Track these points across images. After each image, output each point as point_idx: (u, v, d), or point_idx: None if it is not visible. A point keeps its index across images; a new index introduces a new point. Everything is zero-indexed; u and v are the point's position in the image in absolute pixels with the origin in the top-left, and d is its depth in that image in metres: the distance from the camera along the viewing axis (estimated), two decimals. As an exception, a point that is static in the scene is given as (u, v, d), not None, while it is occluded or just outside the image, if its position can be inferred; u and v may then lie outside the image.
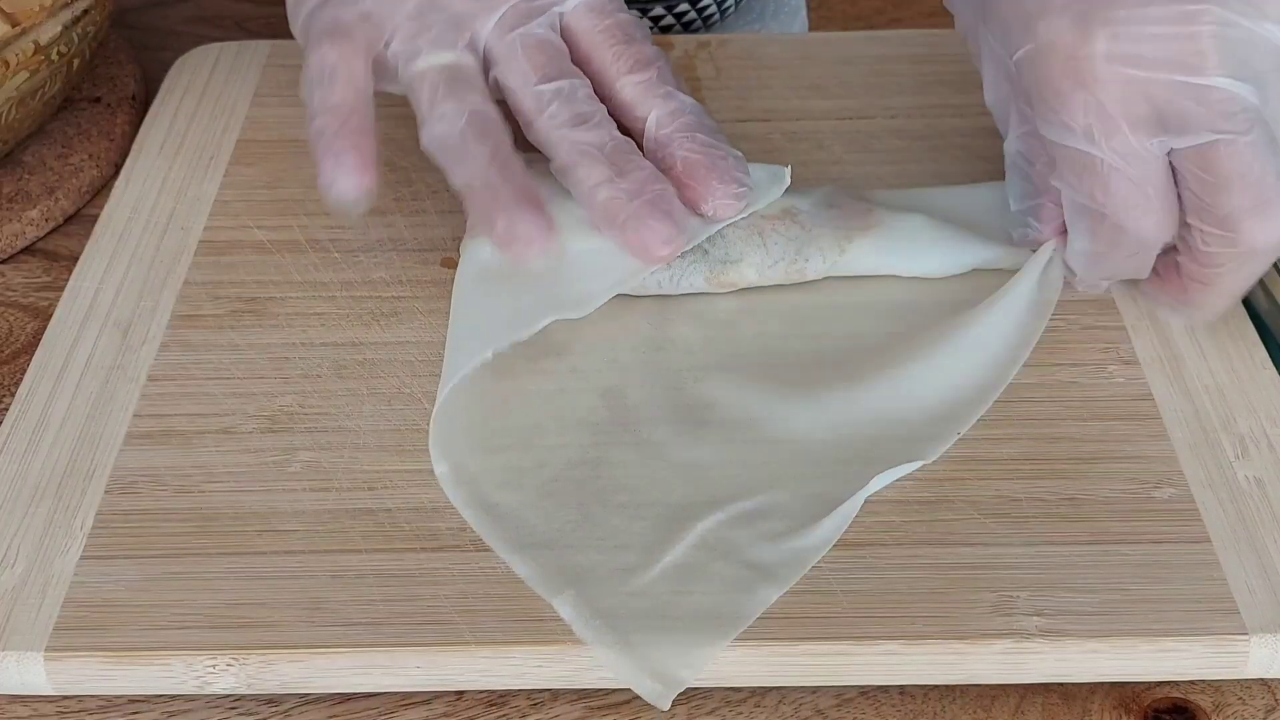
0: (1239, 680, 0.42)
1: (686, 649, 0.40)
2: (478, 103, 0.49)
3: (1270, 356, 0.49)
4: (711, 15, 0.67)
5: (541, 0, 0.52)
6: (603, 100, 0.51)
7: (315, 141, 0.48)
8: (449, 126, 0.49)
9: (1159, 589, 0.41)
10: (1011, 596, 0.41)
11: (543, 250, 0.47)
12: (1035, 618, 0.41)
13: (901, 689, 0.42)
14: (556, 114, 0.50)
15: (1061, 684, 0.42)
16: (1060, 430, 0.46)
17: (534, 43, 0.51)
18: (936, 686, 0.42)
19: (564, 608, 0.41)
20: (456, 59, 0.50)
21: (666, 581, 0.42)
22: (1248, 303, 0.51)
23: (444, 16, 0.51)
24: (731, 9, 0.68)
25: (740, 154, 0.50)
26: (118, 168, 0.60)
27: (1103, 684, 0.42)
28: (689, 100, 0.51)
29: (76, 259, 0.53)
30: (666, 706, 0.40)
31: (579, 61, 0.52)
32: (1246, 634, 0.40)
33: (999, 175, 0.51)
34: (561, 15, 0.52)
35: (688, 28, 0.67)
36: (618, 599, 0.41)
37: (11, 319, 0.54)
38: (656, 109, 0.50)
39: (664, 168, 0.50)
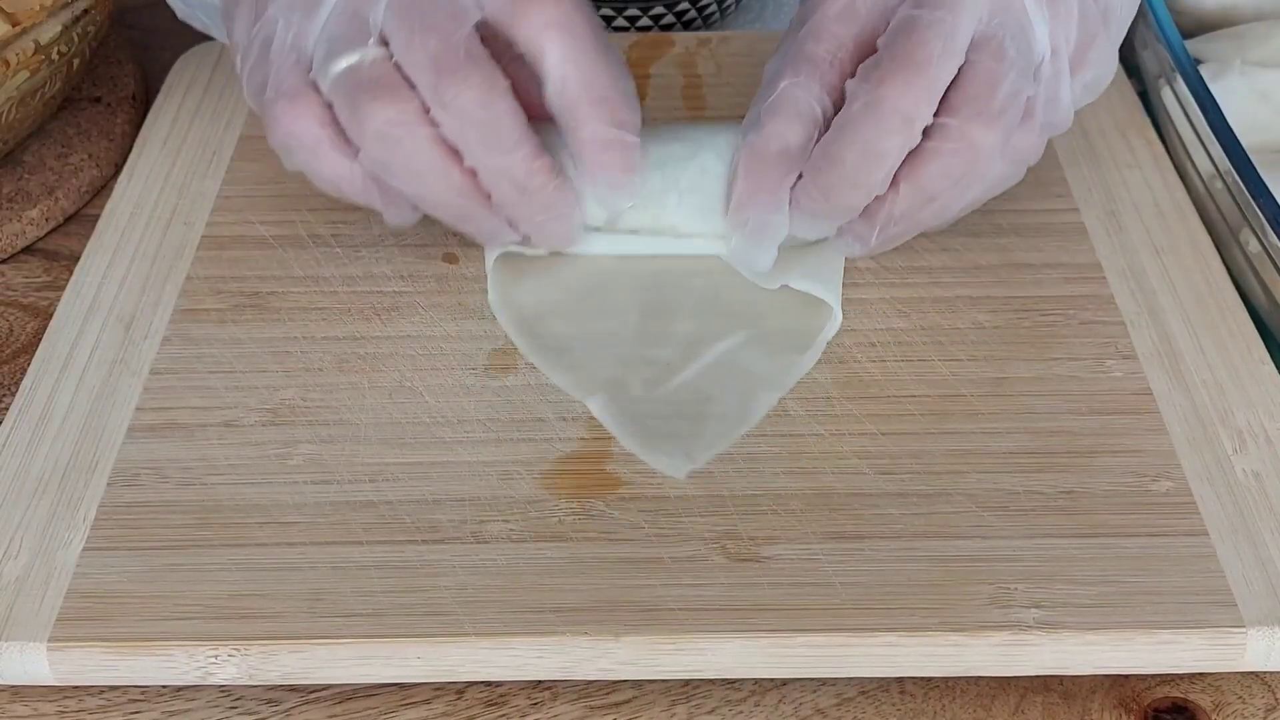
0: (1239, 680, 0.42)
1: (701, 440, 0.45)
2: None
3: (1269, 356, 0.49)
4: (712, 13, 0.68)
5: None
6: None
7: (354, 199, 0.48)
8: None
9: (1156, 581, 0.41)
10: (1009, 589, 0.41)
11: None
12: (1033, 610, 0.41)
13: (902, 688, 0.42)
14: None
15: (1061, 683, 0.42)
16: (1059, 424, 0.46)
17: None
18: (936, 686, 0.42)
19: (595, 406, 0.46)
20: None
21: (686, 390, 0.47)
22: (1248, 302, 0.51)
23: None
24: (732, 8, 0.69)
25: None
26: (118, 167, 0.60)
27: (1103, 684, 0.42)
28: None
29: (77, 259, 0.53)
30: (682, 475, 0.44)
31: None
32: (1244, 626, 0.40)
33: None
34: None
35: (688, 26, 0.67)
36: (642, 403, 0.46)
37: (11, 319, 0.55)
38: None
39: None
